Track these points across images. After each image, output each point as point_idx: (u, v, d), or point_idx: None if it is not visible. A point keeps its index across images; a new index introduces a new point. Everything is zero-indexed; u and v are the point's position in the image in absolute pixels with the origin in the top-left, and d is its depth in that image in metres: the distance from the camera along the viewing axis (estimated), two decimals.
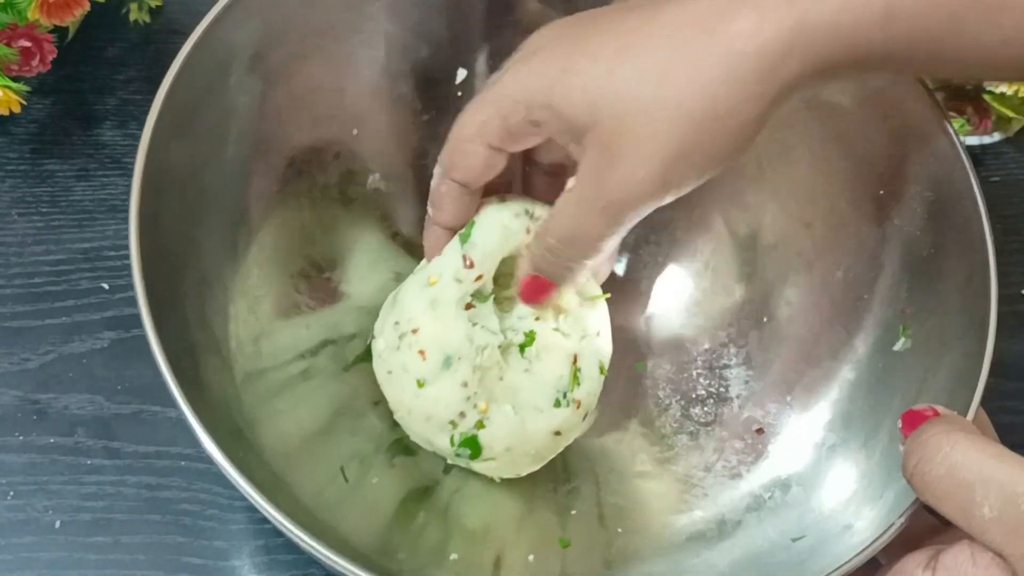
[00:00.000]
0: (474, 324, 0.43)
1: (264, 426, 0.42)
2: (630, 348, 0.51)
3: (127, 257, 0.55)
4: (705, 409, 0.49)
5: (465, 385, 0.43)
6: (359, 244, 0.50)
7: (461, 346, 0.43)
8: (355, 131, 0.49)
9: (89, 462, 0.49)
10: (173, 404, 0.50)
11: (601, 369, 0.46)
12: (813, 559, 0.38)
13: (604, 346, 0.47)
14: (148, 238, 0.38)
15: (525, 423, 0.44)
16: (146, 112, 0.59)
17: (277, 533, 0.48)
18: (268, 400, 0.43)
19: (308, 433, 0.44)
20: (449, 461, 0.46)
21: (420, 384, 0.43)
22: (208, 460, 0.49)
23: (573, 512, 0.46)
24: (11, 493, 0.48)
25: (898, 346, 0.44)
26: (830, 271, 0.48)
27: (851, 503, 0.41)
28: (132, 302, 0.53)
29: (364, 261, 0.50)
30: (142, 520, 0.48)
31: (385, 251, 0.50)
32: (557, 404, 0.44)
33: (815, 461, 0.45)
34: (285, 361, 0.46)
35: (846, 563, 0.36)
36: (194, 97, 0.42)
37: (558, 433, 0.45)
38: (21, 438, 0.50)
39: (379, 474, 0.45)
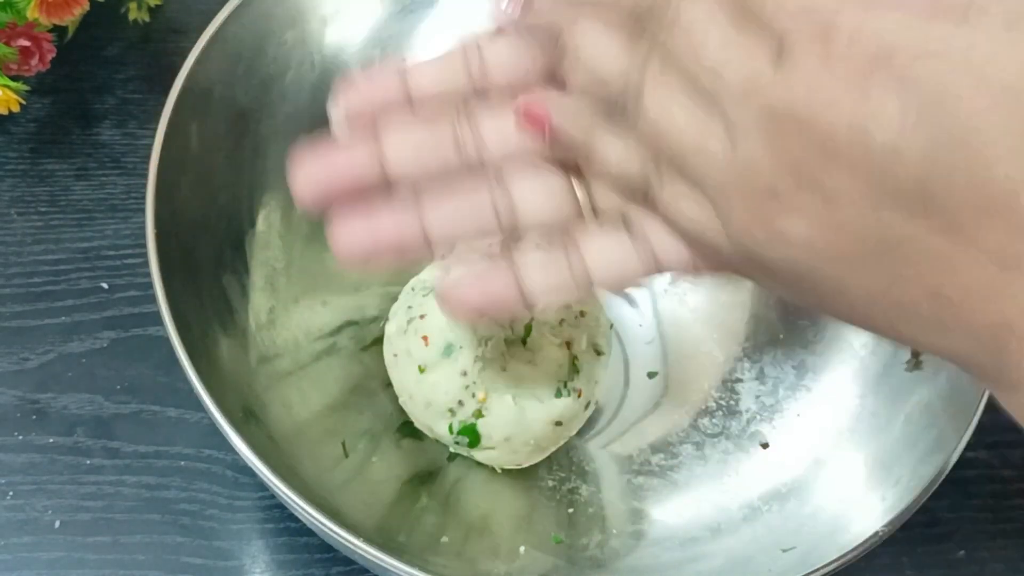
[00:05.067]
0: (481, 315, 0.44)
1: (274, 406, 0.43)
2: (643, 356, 0.52)
3: (126, 256, 0.56)
4: (713, 421, 0.50)
5: (464, 374, 0.44)
6: None
7: (464, 335, 0.44)
8: None
9: (88, 462, 0.50)
10: (173, 403, 0.51)
11: (597, 351, 0.47)
12: (800, 568, 0.38)
13: (598, 328, 0.47)
14: (164, 218, 0.38)
15: (525, 413, 0.45)
16: (146, 111, 0.60)
17: (277, 533, 0.48)
18: (282, 379, 0.44)
19: (317, 412, 0.45)
20: (451, 449, 0.46)
21: (421, 369, 0.45)
22: (208, 460, 0.50)
23: (571, 511, 0.46)
24: (10, 493, 0.49)
25: (909, 367, 0.44)
26: None
27: (845, 516, 0.41)
28: (131, 301, 0.55)
29: None
30: (141, 520, 0.48)
31: None
32: (558, 394, 0.45)
33: (816, 476, 0.46)
34: (304, 342, 0.47)
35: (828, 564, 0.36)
36: (217, 73, 0.42)
37: (559, 423, 0.46)
38: (20, 438, 0.50)
39: (383, 455, 0.46)
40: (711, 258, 0.30)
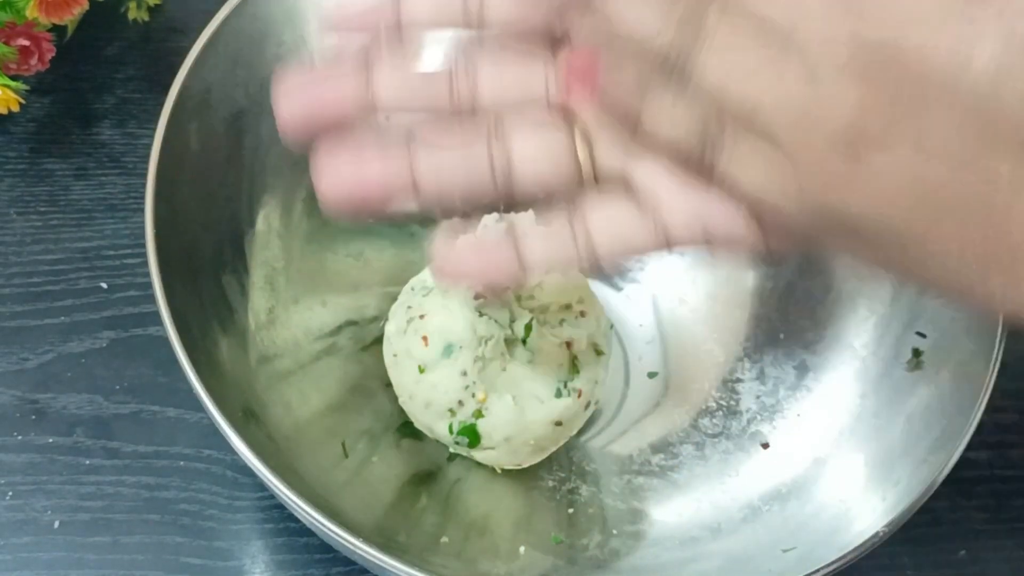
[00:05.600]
0: (481, 315, 0.44)
1: (274, 406, 0.43)
2: (643, 356, 0.52)
3: (126, 256, 0.56)
4: (714, 421, 0.50)
5: (464, 374, 0.44)
6: (389, 229, 0.51)
7: (464, 335, 0.44)
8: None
9: (88, 462, 0.50)
10: (172, 403, 0.51)
11: (597, 351, 0.47)
12: (800, 568, 0.38)
13: (598, 329, 0.47)
14: (164, 218, 0.38)
15: (525, 413, 0.45)
16: (146, 111, 0.60)
17: (277, 533, 0.48)
18: (282, 379, 0.45)
19: (316, 412, 0.46)
20: (451, 449, 0.46)
21: (421, 370, 0.45)
22: (207, 460, 0.50)
23: (571, 511, 0.46)
24: (10, 493, 0.49)
25: (909, 367, 0.44)
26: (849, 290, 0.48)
27: (845, 516, 0.41)
28: (131, 301, 0.55)
29: (392, 245, 0.51)
30: (141, 520, 0.48)
31: (416, 237, 0.51)
32: (558, 395, 0.45)
33: (816, 476, 0.46)
34: (303, 342, 0.47)
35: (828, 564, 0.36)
36: (216, 73, 0.42)
37: (559, 423, 0.46)
38: (20, 438, 0.50)
39: (383, 455, 0.46)
40: (773, 228, 0.28)
